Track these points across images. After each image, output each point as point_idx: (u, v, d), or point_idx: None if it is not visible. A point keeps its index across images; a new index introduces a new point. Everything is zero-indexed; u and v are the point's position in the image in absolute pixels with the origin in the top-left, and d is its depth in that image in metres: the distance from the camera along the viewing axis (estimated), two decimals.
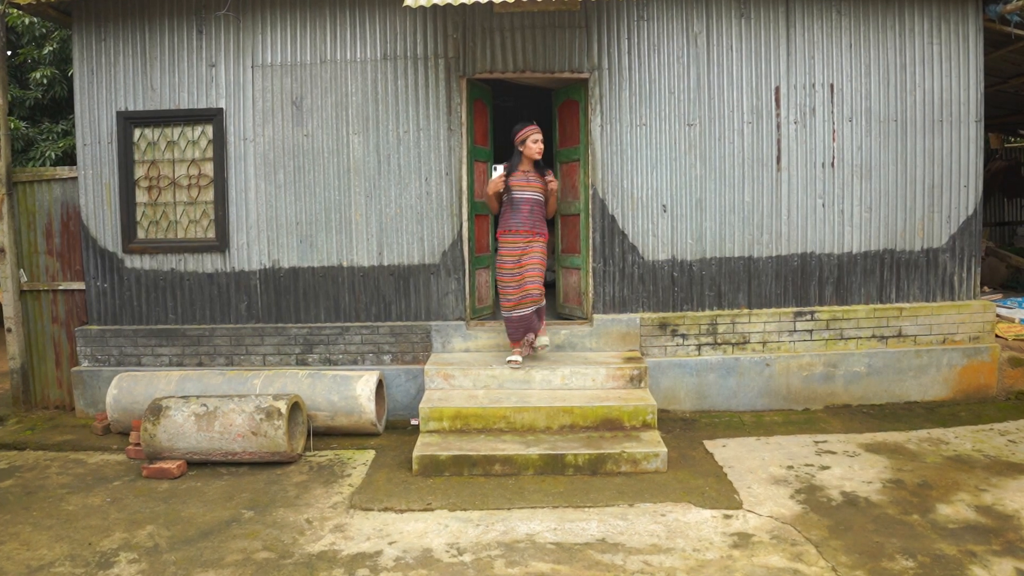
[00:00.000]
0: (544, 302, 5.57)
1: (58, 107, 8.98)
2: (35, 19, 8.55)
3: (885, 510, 4.11)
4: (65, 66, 8.58)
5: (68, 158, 8.27)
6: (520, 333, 5.58)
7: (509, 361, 5.58)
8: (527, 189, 5.49)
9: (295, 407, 5.22)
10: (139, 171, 6.11)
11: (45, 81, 8.53)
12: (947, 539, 3.76)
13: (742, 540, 3.80)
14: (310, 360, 6.05)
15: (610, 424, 5.09)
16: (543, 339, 5.65)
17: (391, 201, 5.97)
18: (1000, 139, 12.05)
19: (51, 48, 8.62)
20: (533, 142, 5.46)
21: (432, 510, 4.24)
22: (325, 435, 5.51)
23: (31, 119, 8.85)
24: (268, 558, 3.74)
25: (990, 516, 4.00)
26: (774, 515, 4.08)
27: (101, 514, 4.31)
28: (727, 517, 4.07)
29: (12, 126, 7.88)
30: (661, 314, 6.00)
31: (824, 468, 4.73)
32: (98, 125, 6.07)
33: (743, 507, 4.19)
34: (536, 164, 5.55)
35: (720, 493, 4.38)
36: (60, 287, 6.37)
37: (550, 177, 5.60)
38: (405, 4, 4.93)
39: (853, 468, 4.72)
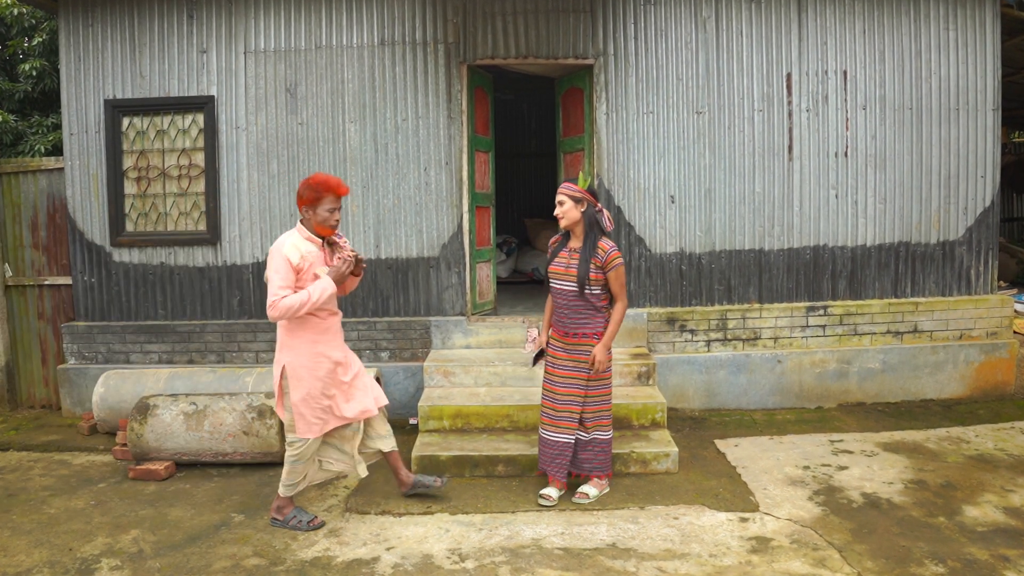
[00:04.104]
0: (605, 436, 4.14)
1: (48, 100, 8.75)
2: (24, 10, 8.33)
3: (909, 512, 3.91)
4: (55, 58, 8.33)
5: (58, 152, 8.03)
6: (547, 461, 4.14)
7: (540, 495, 4.13)
8: (564, 277, 4.01)
9: None
10: (128, 161, 5.89)
11: (35, 73, 8.29)
12: (977, 543, 3.56)
13: (761, 544, 3.59)
14: None
15: (618, 423, 4.87)
16: (588, 488, 4.13)
17: (389, 192, 5.76)
18: (1007, 133, 11.85)
19: (41, 39, 8.39)
20: (559, 203, 3.98)
21: (432, 513, 4.03)
22: None
23: (20, 112, 8.63)
24: (258, 565, 3.53)
25: (1020, 518, 3.80)
26: (793, 518, 3.87)
27: (84, 518, 4.10)
28: (743, 520, 3.86)
29: (1, 119, 7.66)
30: (669, 309, 5.80)
31: (842, 468, 4.53)
32: (85, 114, 5.86)
33: (760, 509, 3.98)
34: (591, 235, 3.96)
35: (735, 495, 4.17)
36: (46, 282, 6.15)
37: (605, 253, 3.93)
38: None
39: (872, 468, 4.51)
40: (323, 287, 3.68)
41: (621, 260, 3.96)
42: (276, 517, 3.95)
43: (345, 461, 4.02)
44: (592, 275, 3.94)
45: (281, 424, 4.77)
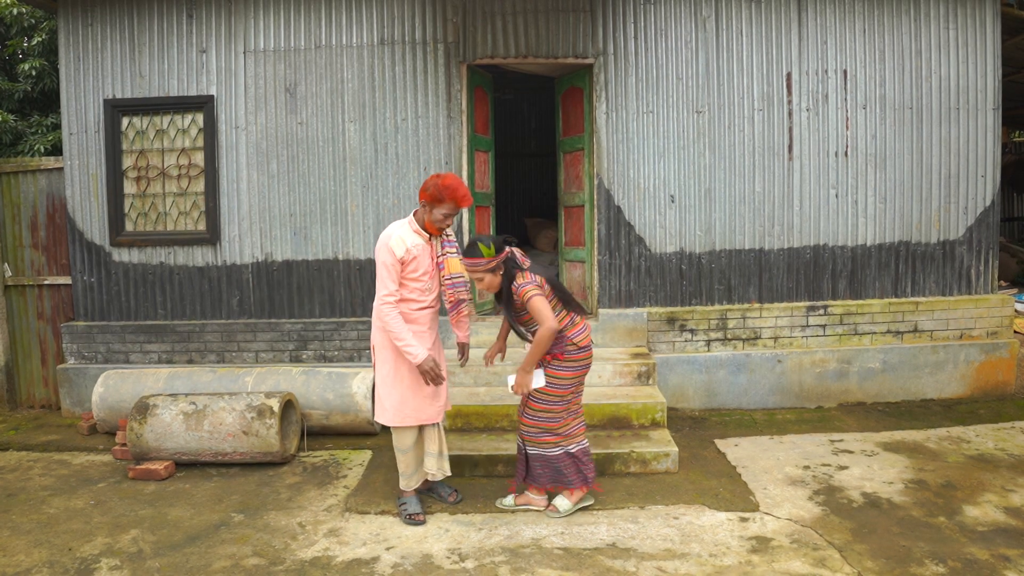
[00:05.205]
0: (550, 452, 3.91)
1: (48, 100, 8.75)
2: (24, 9, 8.32)
3: (909, 512, 3.90)
4: (55, 57, 8.33)
5: (58, 152, 8.03)
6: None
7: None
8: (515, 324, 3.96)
9: (288, 405, 5.00)
10: (127, 161, 5.89)
11: (34, 73, 8.30)
12: (977, 542, 3.55)
13: (761, 544, 3.59)
14: (304, 357, 5.83)
15: (618, 423, 4.88)
16: (559, 500, 4.00)
17: (388, 191, 5.76)
18: (1007, 133, 11.85)
19: (40, 39, 8.39)
20: (477, 281, 3.80)
21: (432, 513, 4.02)
22: (320, 435, 5.30)
23: (20, 112, 8.62)
24: (258, 564, 3.53)
25: (1020, 518, 3.79)
26: (793, 517, 3.87)
27: (84, 518, 4.10)
28: (743, 520, 3.86)
29: (0, 119, 7.65)
30: (669, 309, 5.79)
31: (842, 468, 4.52)
32: (85, 113, 5.86)
33: (760, 509, 3.98)
34: (507, 284, 3.79)
35: (735, 495, 4.16)
36: (46, 282, 6.15)
37: (516, 294, 3.73)
38: None
39: (872, 468, 4.51)
40: (414, 355, 3.75)
41: (533, 292, 3.64)
42: (399, 496, 4.09)
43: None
44: (523, 318, 3.81)
45: (281, 424, 4.77)
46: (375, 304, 3.81)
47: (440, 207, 3.74)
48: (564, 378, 3.84)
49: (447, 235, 3.97)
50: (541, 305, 3.67)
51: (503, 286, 3.78)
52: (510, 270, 3.77)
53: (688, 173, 5.75)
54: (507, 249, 3.76)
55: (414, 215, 3.87)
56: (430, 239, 3.89)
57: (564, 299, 3.83)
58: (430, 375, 3.78)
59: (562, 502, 3.97)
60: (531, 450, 3.96)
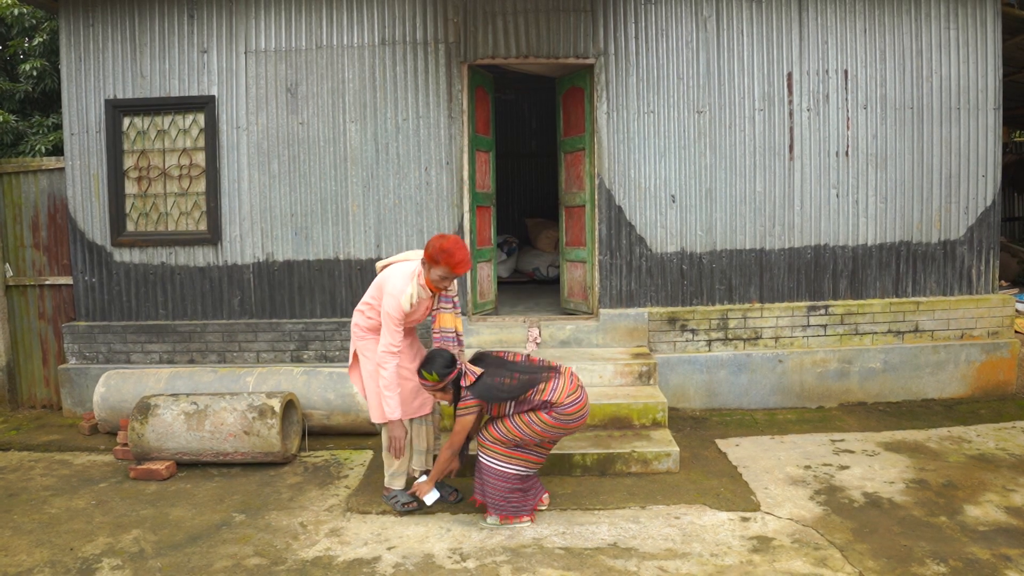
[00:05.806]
0: (485, 460, 3.90)
1: (48, 100, 8.76)
2: (25, 10, 8.33)
3: (910, 511, 3.91)
4: (56, 58, 8.34)
5: (59, 152, 8.04)
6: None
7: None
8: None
9: (289, 405, 5.01)
10: (128, 161, 5.90)
11: (35, 73, 8.30)
12: (978, 542, 3.55)
13: (762, 544, 3.59)
14: (305, 357, 5.84)
15: (619, 422, 4.88)
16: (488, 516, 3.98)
17: (389, 192, 5.76)
18: (1008, 132, 11.84)
19: (41, 39, 8.40)
20: (432, 394, 3.93)
21: (433, 513, 4.03)
22: (321, 435, 5.30)
23: (21, 112, 8.63)
24: (259, 564, 3.53)
25: (1021, 518, 3.80)
26: (794, 517, 3.87)
27: (85, 517, 4.10)
28: (744, 520, 3.86)
29: (1, 119, 7.66)
30: (670, 308, 5.79)
31: (843, 468, 4.52)
32: (86, 114, 5.86)
33: (761, 509, 3.98)
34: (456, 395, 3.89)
35: (736, 494, 4.17)
36: (47, 282, 6.15)
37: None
38: None
39: (873, 468, 4.51)
40: (391, 409, 3.86)
41: (466, 410, 3.74)
42: (385, 493, 4.15)
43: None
44: (491, 412, 3.84)
45: (283, 424, 4.77)
46: (382, 353, 3.84)
47: (437, 268, 3.76)
48: (549, 426, 3.76)
49: (447, 291, 4.01)
50: (459, 428, 3.81)
51: (454, 396, 3.82)
52: (457, 385, 3.80)
53: (689, 173, 5.75)
54: (452, 373, 3.72)
55: (422, 266, 3.88)
56: (432, 295, 3.98)
57: (523, 387, 3.72)
58: (393, 441, 3.91)
59: (490, 518, 3.91)
60: (483, 457, 3.87)
